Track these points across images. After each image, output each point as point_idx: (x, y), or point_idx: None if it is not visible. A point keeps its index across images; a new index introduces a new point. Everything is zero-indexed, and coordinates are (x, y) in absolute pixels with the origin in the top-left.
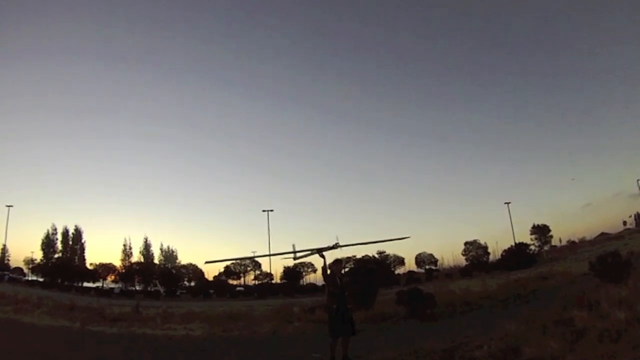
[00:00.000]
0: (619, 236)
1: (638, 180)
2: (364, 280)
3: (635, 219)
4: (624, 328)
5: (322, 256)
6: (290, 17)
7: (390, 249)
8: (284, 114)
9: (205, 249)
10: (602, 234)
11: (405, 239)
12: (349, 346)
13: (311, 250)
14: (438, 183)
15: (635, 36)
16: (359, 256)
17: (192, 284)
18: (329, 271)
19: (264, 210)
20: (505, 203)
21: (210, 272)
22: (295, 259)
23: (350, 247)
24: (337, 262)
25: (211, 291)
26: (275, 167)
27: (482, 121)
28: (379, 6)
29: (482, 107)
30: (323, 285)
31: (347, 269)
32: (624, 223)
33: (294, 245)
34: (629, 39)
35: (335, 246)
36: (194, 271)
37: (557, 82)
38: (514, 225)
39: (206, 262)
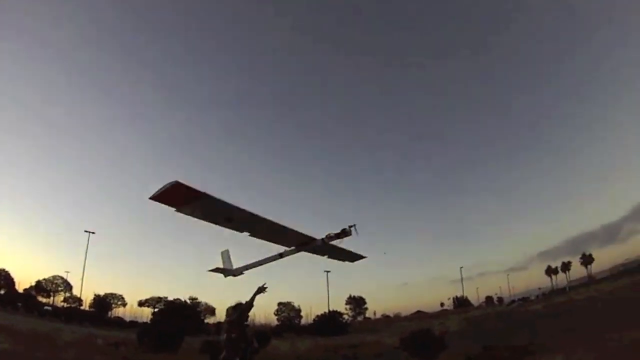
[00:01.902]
0: (435, 315)
1: (461, 267)
2: (173, 324)
3: (453, 302)
4: None
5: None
6: None
7: (202, 297)
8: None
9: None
10: (419, 311)
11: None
12: None
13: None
14: (260, 243)
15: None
16: (170, 298)
17: (2, 291)
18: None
19: (86, 231)
20: (325, 271)
21: (22, 283)
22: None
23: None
24: (238, 308)
25: (19, 304)
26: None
27: (302, 184)
28: None
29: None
30: (146, 322)
31: (156, 309)
32: (442, 304)
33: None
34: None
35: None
36: (5, 278)
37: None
38: (331, 294)
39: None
